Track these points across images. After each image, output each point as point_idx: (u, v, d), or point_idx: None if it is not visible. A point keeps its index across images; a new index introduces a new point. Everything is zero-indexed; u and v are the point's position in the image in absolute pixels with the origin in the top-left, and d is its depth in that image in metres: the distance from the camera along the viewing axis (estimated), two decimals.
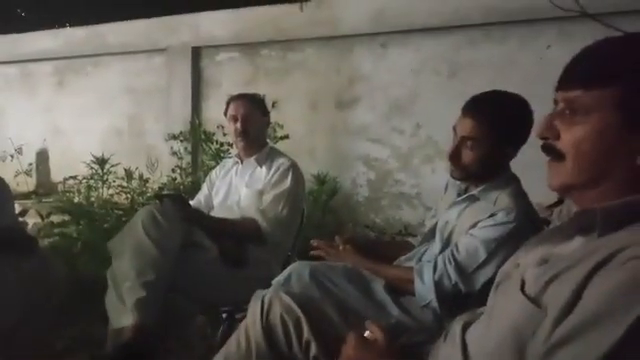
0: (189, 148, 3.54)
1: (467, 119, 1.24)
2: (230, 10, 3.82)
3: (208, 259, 1.65)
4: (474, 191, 1.28)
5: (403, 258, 1.37)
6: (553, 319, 0.58)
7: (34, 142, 4.78)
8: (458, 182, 1.36)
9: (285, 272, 1.27)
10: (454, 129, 1.27)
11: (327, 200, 2.99)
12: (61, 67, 4.76)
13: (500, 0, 2.81)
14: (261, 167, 1.90)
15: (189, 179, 3.24)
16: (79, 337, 2.07)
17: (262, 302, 1.00)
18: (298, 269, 1.24)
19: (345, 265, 1.33)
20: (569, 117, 0.67)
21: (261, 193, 1.83)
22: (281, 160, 1.89)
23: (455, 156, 1.26)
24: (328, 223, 2.93)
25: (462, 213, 1.28)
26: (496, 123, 1.21)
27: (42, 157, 4.83)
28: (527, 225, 1.18)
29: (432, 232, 1.36)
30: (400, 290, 1.24)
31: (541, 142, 0.72)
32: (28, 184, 4.60)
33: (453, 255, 1.19)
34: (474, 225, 1.21)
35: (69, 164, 4.18)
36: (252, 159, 1.93)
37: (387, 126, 3.24)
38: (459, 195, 1.33)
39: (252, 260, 1.73)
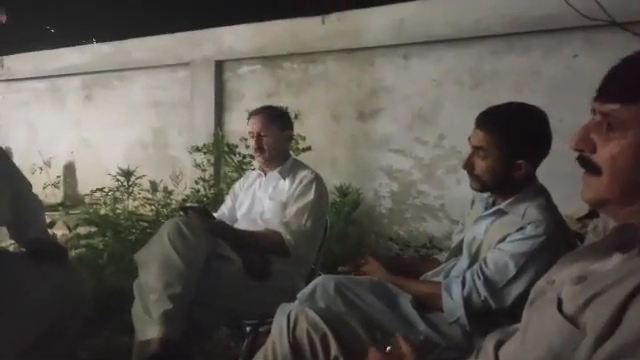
0: (212, 160, 3.58)
1: (478, 130, 1.26)
2: (252, 24, 3.89)
3: (232, 271, 1.65)
4: (501, 205, 1.26)
5: (430, 273, 1.35)
6: (594, 340, 0.56)
7: (62, 155, 4.92)
8: (485, 196, 1.34)
9: (310, 286, 1.26)
10: (469, 140, 1.29)
11: (349, 212, 2.98)
12: (89, 82, 4.90)
13: (522, 10, 2.78)
14: (284, 179, 1.91)
15: (212, 191, 3.27)
16: (104, 348, 2.10)
17: (288, 317, 0.99)
18: (323, 283, 1.24)
19: (371, 279, 1.32)
20: (606, 130, 0.65)
21: (285, 205, 1.83)
22: (304, 172, 1.89)
23: (468, 165, 1.28)
24: (350, 235, 2.92)
25: (490, 227, 1.25)
26: (506, 134, 1.22)
27: (69, 169, 4.96)
28: (557, 238, 1.16)
29: (459, 247, 1.34)
30: (427, 305, 1.22)
31: (570, 153, 0.70)
32: (56, 196, 4.73)
33: (482, 270, 1.16)
34: (503, 239, 1.19)
35: (96, 176, 4.27)
36: (275, 172, 1.94)
37: (410, 137, 3.22)
38: (486, 209, 1.31)
39: (276, 272, 1.73)
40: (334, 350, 0.94)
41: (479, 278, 1.16)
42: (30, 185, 1.87)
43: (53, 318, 1.54)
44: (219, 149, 3.40)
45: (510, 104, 1.28)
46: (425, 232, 3.10)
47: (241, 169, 3.17)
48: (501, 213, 1.26)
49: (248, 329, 1.74)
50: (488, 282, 1.15)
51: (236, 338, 1.94)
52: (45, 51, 5.19)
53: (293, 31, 3.65)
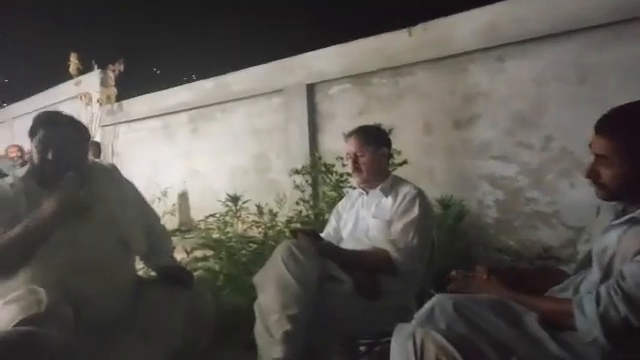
0: (310, 181, 3.69)
1: (598, 137, 1.17)
2: (339, 45, 3.98)
3: (344, 292, 1.68)
4: (635, 213, 1.14)
5: (557, 288, 1.26)
6: None
7: (176, 184, 5.40)
8: (613, 203, 1.23)
9: (427, 306, 1.24)
10: (590, 146, 1.20)
11: (453, 225, 2.88)
12: (194, 116, 5.35)
13: None
14: (387, 197, 1.91)
15: (312, 211, 3.37)
16: None
17: (414, 340, 0.99)
18: (441, 302, 1.21)
19: (490, 297, 1.26)
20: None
21: (389, 223, 1.83)
22: (406, 189, 1.88)
23: (593, 175, 1.19)
24: (456, 248, 2.82)
25: (623, 237, 1.14)
26: (631, 140, 1.11)
27: (183, 197, 5.42)
28: None
29: (588, 259, 1.24)
30: (557, 325, 1.14)
31: None
32: (172, 222, 5.18)
33: (619, 285, 1.06)
34: None
35: (206, 202, 4.62)
36: (377, 190, 1.95)
37: (512, 142, 3.06)
38: (616, 217, 1.20)
39: (386, 291, 1.73)
40: None
41: (617, 294, 1.06)
42: (158, 217, 2.08)
43: (185, 337, 1.69)
44: (316, 170, 3.50)
45: (630, 105, 1.16)
46: (538, 241, 2.90)
47: (339, 187, 3.23)
48: (635, 221, 1.14)
49: (362, 349, 1.76)
50: (628, 298, 1.05)
51: (350, 357, 1.96)
52: (156, 92, 5.78)
53: (380, 47, 3.67)
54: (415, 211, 1.79)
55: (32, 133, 1.63)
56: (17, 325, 1.26)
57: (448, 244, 2.78)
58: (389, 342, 1.51)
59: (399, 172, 2.56)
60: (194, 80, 6.01)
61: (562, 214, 2.82)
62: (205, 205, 4.56)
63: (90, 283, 1.55)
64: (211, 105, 5.11)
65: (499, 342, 1.09)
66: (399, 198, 1.85)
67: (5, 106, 10.64)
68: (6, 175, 4.96)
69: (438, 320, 1.16)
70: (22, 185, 1.61)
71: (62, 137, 1.62)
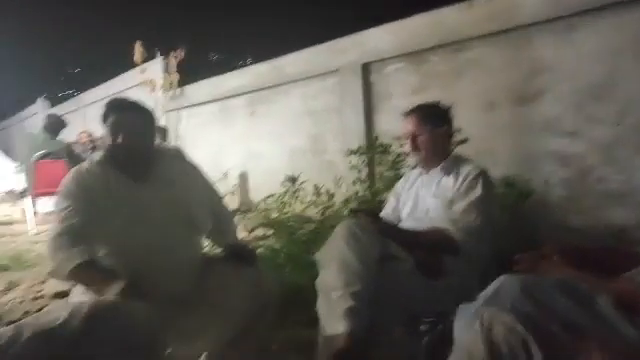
0: (366, 161, 3.69)
1: None
2: (394, 22, 3.89)
3: (405, 271, 1.69)
4: None
5: (635, 271, 1.20)
6: None
7: (236, 166, 5.58)
8: None
9: (492, 286, 1.22)
10: None
11: (517, 204, 2.78)
12: (252, 99, 5.47)
13: None
14: (448, 176, 1.88)
15: (368, 191, 3.38)
16: (288, 340, 2.31)
17: (481, 321, 0.98)
18: (507, 283, 1.18)
19: (559, 278, 1.22)
20: None
21: (451, 202, 1.81)
22: (469, 167, 1.84)
23: None
24: (521, 229, 2.72)
25: None
26: None
27: (243, 178, 5.60)
28: None
29: None
30: (634, 308, 1.09)
31: None
32: (233, 203, 5.37)
33: None
34: None
35: (264, 183, 4.75)
36: (437, 169, 1.92)
37: (581, 117, 2.88)
38: None
39: (447, 271, 1.72)
40: (537, 357, 0.89)
41: None
42: (221, 197, 2.17)
43: (250, 313, 1.77)
44: (373, 150, 3.49)
45: None
46: (610, 222, 2.73)
47: (396, 167, 3.21)
48: None
49: (424, 328, 1.76)
50: None
51: (411, 336, 1.97)
52: (214, 77, 5.95)
53: (438, 22, 3.56)
54: (478, 190, 1.76)
55: (104, 119, 1.74)
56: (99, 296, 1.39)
57: (512, 224, 2.70)
58: (451, 322, 1.51)
59: (458, 151, 2.50)
60: (249, 64, 6.12)
61: (637, 193, 2.65)
62: (263, 186, 4.69)
63: (161, 260, 1.67)
64: (267, 88, 5.19)
65: (570, 323, 1.05)
66: (461, 177, 1.82)
67: (77, 95, 11.38)
68: (83, 160, 5.35)
69: (504, 301, 1.14)
70: (98, 169, 1.73)
71: (131, 122, 1.71)
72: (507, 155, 3.23)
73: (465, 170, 1.83)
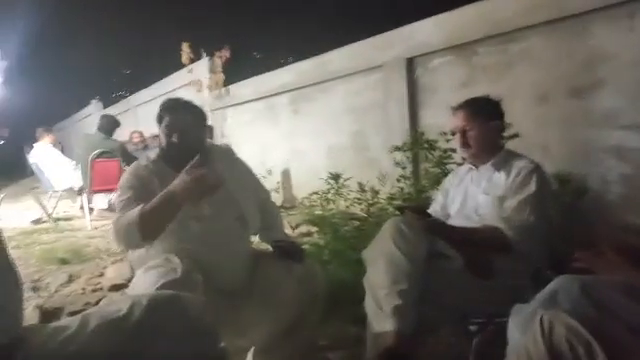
0: (410, 157, 3.63)
1: None
2: (440, 15, 3.81)
3: (453, 269, 1.66)
4: None
5: None
6: None
7: (279, 163, 5.65)
8: None
9: (550, 287, 1.17)
10: None
11: (572, 202, 2.66)
12: (295, 97, 5.51)
13: None
14: (499, 172, 1.82)
15: (413, 188, 3.33)
16: (335, 336, 2.32)
17: (541, 323, 0.94)
18: (565, 284, 1.13)
19: (621, 279, 1.16)
20: None
21: (502, 199, 1.75)
22: (522, 163, 1.77)
23: None
24: (576, 227, 2.60)
25: None
26: None
27: (286, 175, 5.66)
28: None
29: None
30: None
31: None
32: (276, 200, 5.44)
33: None
34: None
35: (307, 180, 4.78)
36: (488, 165, 1.87)
37: None
38: None
39: (498, 270, 1.67)
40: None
41: None
42: (269, 194, 2.20)
43: (299, 308, 1.79)
44: (418, 146, 3.43)
45: None
46: None
47: (442, 164, 3.14)
48: None
49: (473, 328, 1.72)
50: None
51: (459, 336, 1.93)
52: (258, 76, 6.04)
53: (487, 12, 3.44)
54: (532, 186, 1.69)
55: (159, 119, 1.81)
56: (158, 289, 1.44)
57: (567, 222, 2.58)
58: (502, 322, 1.47)
59: (510, 146, 2.42)
60: (291, 62, 6.17)
61: None
62: (306, 183, 4.73)
63: (214, 254, 1.71)
64: (310, 85, 5.21)
65: (634, 327, 1.00)
66: (513, 173, 1.76)
67: (128, 96, 11.87)
68: (136, 158, 5.58)
69: (562, 302, 1.10)
70: (154, 166, 1.80)
71: (185, 121, 1.78)
72: (561, 150, 3.09)
73: (518, 165, 1.77)
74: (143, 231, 1.56)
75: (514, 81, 3.33)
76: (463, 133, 1.86)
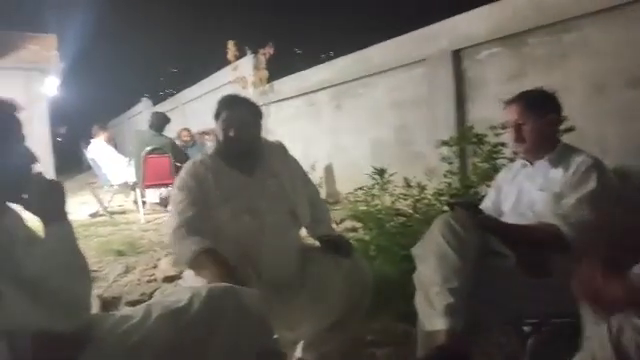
0: (458, 152, 3.55)
1: None
2: (487, 5, 3.69)
3: (506, 267, 1.62)
4: None
5: None
6: None
7: (322, 158, 5.67)
8: None
9: None
10: None
11: (633, 199, 2.52)
12: (337, 93, 5.51)
13: None
14: (556, 168, 1.75)
15: (460, 183, 3.25)
16: (383, 332, 2.32)
17: (609, 326, 0.91)
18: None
19: None
20: None
21: (559, 196, 1.68)
22: (580, 158, 1.70)
23: None
24: (637, 226, 2.47)
25: None
26: None
27: (329, 171, 5.68)
28: None
29: None
30: None
31: None
32: (320, 195, 5.47)
33: None
34: None
35: (350, 175, 4.78)
36: (543, 160, 1.79)
37: None
38: None
39: (556, 269, 1.61)
40: None
41: None
42: (317, 189, 2.22)
43: (347, 303, 1.80)
44: (465, 141, 3.35)
45: None
46: None
47: (491, 159, 3.05)
48: None
49: (528, 329, 1.68)
50: None
51: (511, 336, 1.88)
52: (300, 72, 6.08)
53: (537, 1, 3.31)
54: (591, 183, 1.61)
55: (217, 115, 1.86)
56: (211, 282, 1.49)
57: (626, 221, 2.45)
58: (557, 323, 1.42)
59: (565, 140, 2.32)
60: (332, 57, 6.17)
61: None
62: (349, 178, 4.73)
63: (266, 248, 1.75)
64: (352, 81, 5.19)
65: None
66: (571, 169, 1.68)
67: (175, 94, 12.24)
68: (186, 154, 5.73)
69: None
70: (210, 162, 1.86)
71: (242, 117, 1.83)
72: (619, 144, 2.94)
73: (576, 161, 1.69)
74: (191, 267, 1.68)
75: (568, 72, 3.19)
76: (517, 127, 1.80)
